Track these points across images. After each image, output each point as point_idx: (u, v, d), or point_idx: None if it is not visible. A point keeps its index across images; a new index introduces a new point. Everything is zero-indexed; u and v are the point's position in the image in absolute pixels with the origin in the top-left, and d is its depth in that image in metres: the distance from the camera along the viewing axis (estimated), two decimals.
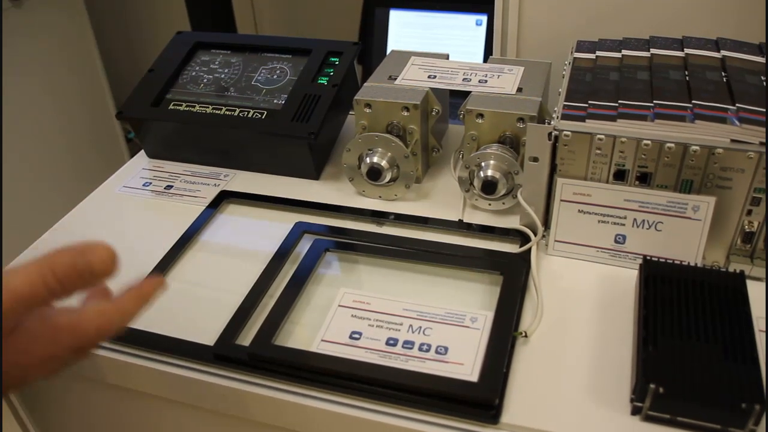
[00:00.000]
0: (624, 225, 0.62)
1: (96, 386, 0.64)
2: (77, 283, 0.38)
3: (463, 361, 0.52)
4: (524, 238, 0.66)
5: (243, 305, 0.59)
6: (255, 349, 0.55)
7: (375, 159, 0.72)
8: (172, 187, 0.81)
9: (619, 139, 0.59)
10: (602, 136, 0.59)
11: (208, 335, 0.57)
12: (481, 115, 0.70)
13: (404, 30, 1.68)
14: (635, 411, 0.49)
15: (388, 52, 0.85)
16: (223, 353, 0.56)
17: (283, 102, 0.80)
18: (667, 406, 0.48)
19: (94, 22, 1.73)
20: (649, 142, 0.58)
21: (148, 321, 0.55)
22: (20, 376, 0.38)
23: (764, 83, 0.63)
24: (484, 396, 0.49)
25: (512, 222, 0.69)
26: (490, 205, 0.71)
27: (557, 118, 0.62)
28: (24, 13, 1.59)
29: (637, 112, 0.60)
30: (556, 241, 0.65)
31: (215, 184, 0.80)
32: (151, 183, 0.82)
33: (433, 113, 0.75)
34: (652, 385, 0.47)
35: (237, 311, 0.59)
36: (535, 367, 0.54)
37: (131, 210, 0.78)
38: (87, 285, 0.39)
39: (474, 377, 0.51)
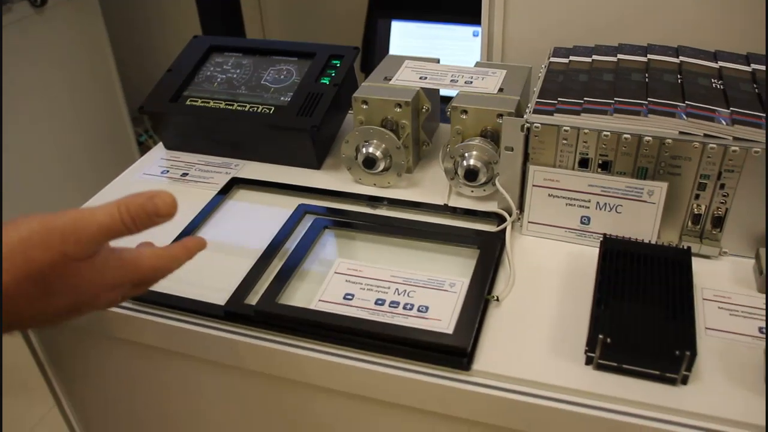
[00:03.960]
0: (588, 208, 0.70)
1: (117, 342, 0.72)
2: (146, 221, 0.46)
3: (441, 317, 0.60)
4: (501, 220, 0.75)
5: (251, 271, 0.68)
6: (261, 306, 0.63)
7: (370, 149, 0.80)
8: (187, 174, 0.89)
9: (583, 131, 0.67)
10: (568, 128, 0.68)
11: (220, 296, 0.66)
12: (465, 111, 0.78)
13: (405, 40, 1.77)
14: (588, 361, 0.57)
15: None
16: (233, 310, 0.64)
17: (288, 99, 0.88)
18: (614, 355, 0.56)
19: (109, 28, 1.82)
20: (608, 133, 0.66)
21: (168, 283, 0.63)
22: (93, 294, 0.46)
23: (714, 85, 0.71)
24: (458, 344, 0.57)
25: (492, 206, 0.78)
26: (472, 191, 0.79)
27: (529, 112, 0.70)
28: (45, 20, 1.69)
29: (599, 107, 0.68)
30: (529, 222, 0.73)
31: (226, 172, 0.89)
32: (168, 171, 0.90)
33: (423, 110, 0.83)
34: (600, 336, 0.55)
35: (246, 276, 0.67)
36: (505, 325, 0.62)
37: None
38: (153, 224, 0.47)
39: (450, 330, 0.59)
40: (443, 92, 0.88)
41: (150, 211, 0.46)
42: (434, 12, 1.74)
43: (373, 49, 1.80)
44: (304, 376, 0.63)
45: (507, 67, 0.87)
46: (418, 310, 0.61)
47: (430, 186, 0.83)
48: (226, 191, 0.84)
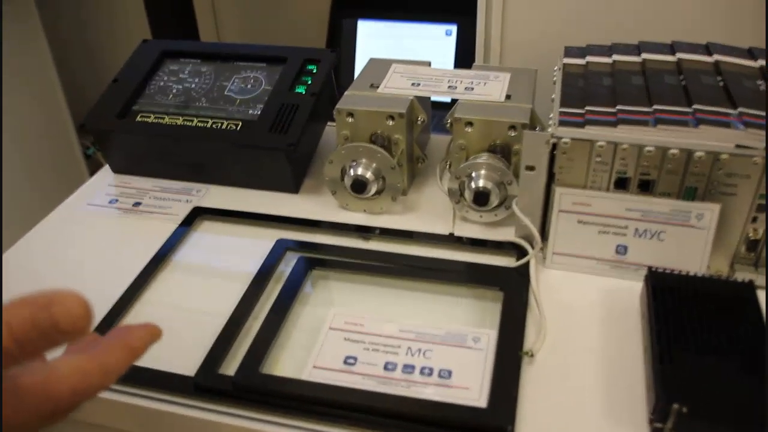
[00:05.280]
0: (625, 235, 0.59)
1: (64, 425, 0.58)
2: (39, 343, 0.30)
3: (469, 385, 0.49)
4: (519, 251, 0.63)
5: (225, 331, 0.55)
6: (240, 378, 0.50)
7: (360, 171, 0.68)
8: (140, 203, 0.76)
9: (621, 146, 0.56)
10: (603, 143, 0.57)
11: (187, 365, 0.53)
12: (470, 124, 0.66)
13: (373, 41, 1.65)
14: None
15: (358, 62, 0.82)
16: (205, 384, 0.51)
17: (258, 112, 0.76)
18: (692, 427, 0.45)
19: (47, 28, 1.65)
20: (652, 148, 0.56)
21: None
22: None
23: (762, 87, 0.61)
24: (496, 423, 0.45)
25: (504, 234, 0.66)
26: (481, 216, 0.68)
27: (554, 125, 0.59)
28: None
29: (637, 117, 0.58)
30: (554, 253, 0.62)
31: (187, 200, 0.75)
32: (117, 200, 0.77)
33: (419, 122, 0.71)
34: (675, 405, 0.44)
35: (219, 337, 0.54)
36: (544, 388, 0.50)
37: (97, 229, 0.72)
38: (53, 345, 0.31)
39: (482, 402, 0.47)
40: (434, 98, 0.76)
41: (45, 329, 0.29)
42: (403, 10, 1.62)
43: (338, 50, 1.68)
44: None
45: (510, 70, 0.76)
46: (440, 376, 0.49)
47: (430, 210, 0.72)
48: (188, 223, 0.71)
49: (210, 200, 0.75)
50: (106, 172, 0.82)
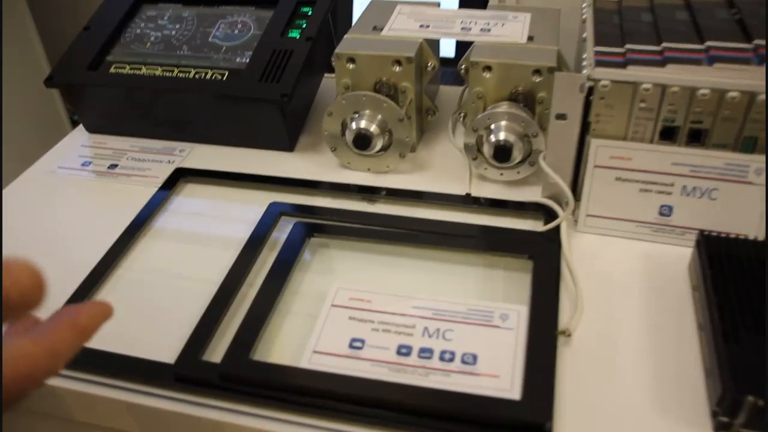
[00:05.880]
0: (671, 194, 0.51)
1: (32, 418, 0.51)
2: None
3: (499, 372, 0.41)
4: (547, 214, 0.55)
5: (210, 310, 0.47)
6: (227, 366, 0.43)
7: (363, 123, 0.60)
8: (117, 166, 0.67)
9: (670, 89, 0.48)
10: (649, 86, 0.48)
11: (167, 350, 0.45)
12: (488, 68, 0.58)
13: None
14: (721, 427, 0.39)
15: (356, 9, 0.73)
16: (187, 373, 0.43)
17: (247, 60, 0.67)
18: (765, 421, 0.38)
19: None
20: (707, 91, 0.47)
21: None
22: None
23: None
24: (533, 419, 0.38)
25: (529, 194, 0.58)
26: (502, 174, 0.60)
27: (589, 66, 0.51)
28: None
29: (689, 55, 0.49)
30: (588, 215, 0.54)
31: (169, 161, 0.67)
32: (91, 162, 0.68)
33: (429, 68, 0.63)
34: (750, 398, 0.36)
35: (202, 318, 0.47)
36: (584, 374, 0.43)
37: (69, 195, 0.64)
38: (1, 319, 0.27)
39: (515, 394, 0.39)
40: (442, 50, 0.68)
41: None
42: None
43: None
44: None
45: (530, 10, 0.67)
46: (463, 361, 0.42)
47: (442, 168, 0.63)
48: (170, 186, 0.63)
49: (194, 161, 0.67)
50: (79, 133, 0.74)
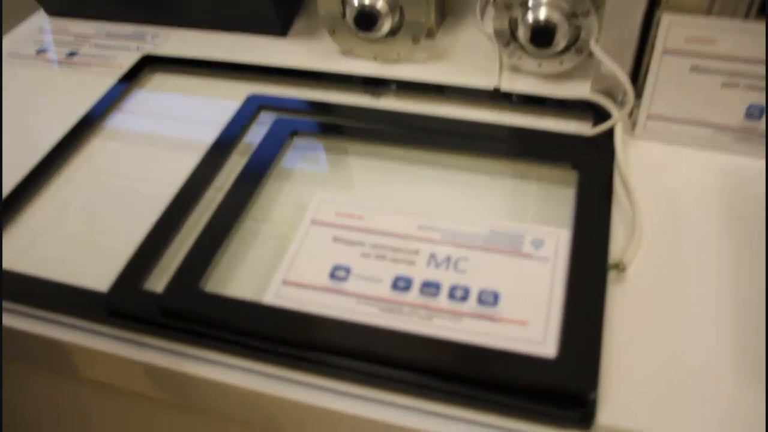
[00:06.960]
0: (763, 89, 0.39)
1: None
2: None
3: (527, 317, 0.30)
4: (597, 114, 0.43)
5: (158, 227, 0.37)
6: (171, 298, 0.33)
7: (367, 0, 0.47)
8: (76, 53, 0.57)
9: None
10: None
11: (103, 276, 0.35)
12: None
13: None
14: None
15: None
16: (123, 305, 0.34)
17: None
18: None
19: None
20: None
21: (12, 254, 0.34)
22: None
23: None
24: (572, 385, 0.27)
25: (573, 90, 0.46)
26: (540, 65, 0.47)
27: None
28: None
29: None
30: (650, 117, 0.42)
31: (138, 48, 0.56)
32: (48, 49, 0.58)
33: None
34: None
35: (148, 236, 0.36)
36: (642, 324, 0.32)
37: (15, 87, 0.54)
38: None
39: (549, 349, 0.29)
40: None
41: None
42: None
43: None
44: (256, 418, 0.34)
45: None
46: (480, 301, 0.31)
47: (465, 58, 0.51)
48: (132, 76, 0.52)
49: (168, 47, 0.56)
50: (39, 16, 0.63)
